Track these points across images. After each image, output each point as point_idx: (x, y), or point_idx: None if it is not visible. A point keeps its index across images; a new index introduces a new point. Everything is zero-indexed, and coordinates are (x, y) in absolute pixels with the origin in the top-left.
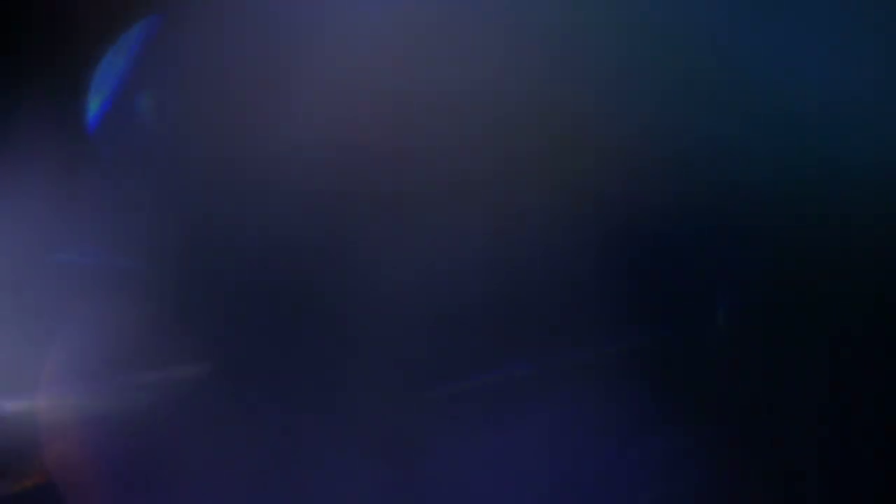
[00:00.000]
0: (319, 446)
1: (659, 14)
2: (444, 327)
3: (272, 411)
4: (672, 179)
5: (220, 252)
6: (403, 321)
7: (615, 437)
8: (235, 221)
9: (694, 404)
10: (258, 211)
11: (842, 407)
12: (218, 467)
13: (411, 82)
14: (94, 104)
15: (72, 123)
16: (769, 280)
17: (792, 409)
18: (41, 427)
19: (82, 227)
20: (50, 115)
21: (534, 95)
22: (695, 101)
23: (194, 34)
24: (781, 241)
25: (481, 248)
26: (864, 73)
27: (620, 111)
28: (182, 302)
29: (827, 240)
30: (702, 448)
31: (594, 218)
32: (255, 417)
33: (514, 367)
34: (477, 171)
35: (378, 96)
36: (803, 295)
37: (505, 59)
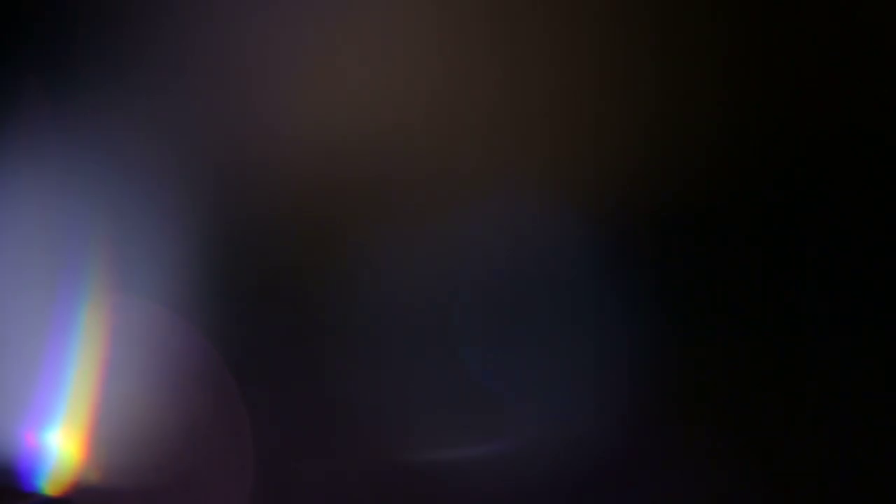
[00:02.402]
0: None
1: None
2: (445, 329)
3: (275, 411)
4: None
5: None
6: (406, 322)
7: (613, 433)
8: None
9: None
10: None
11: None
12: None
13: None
14: None
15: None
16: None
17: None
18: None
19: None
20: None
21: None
22: None
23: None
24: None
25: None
26: None
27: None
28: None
29: None
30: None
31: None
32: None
33: (510, 361)
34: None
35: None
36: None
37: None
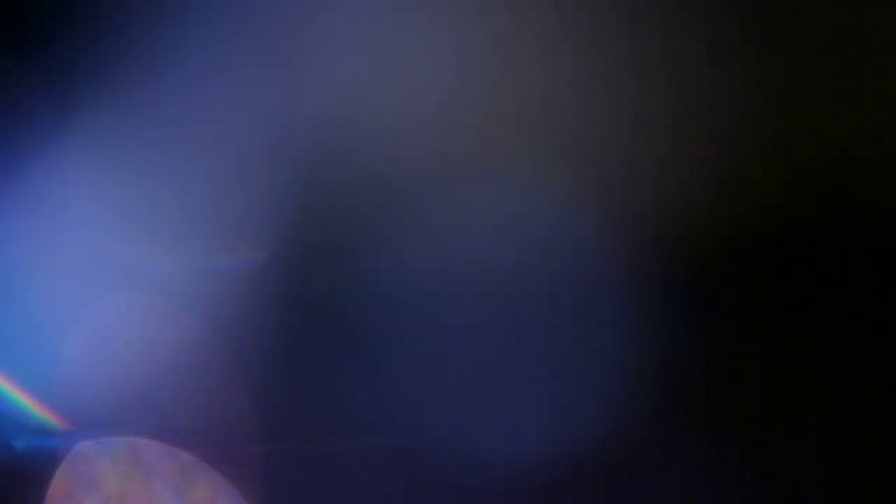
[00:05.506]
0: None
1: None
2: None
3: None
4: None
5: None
6: (412, 323)
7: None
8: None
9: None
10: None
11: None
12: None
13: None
14: None
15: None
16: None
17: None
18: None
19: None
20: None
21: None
22: None
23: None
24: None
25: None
26: None
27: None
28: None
29: None
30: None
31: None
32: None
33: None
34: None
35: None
36: None
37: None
